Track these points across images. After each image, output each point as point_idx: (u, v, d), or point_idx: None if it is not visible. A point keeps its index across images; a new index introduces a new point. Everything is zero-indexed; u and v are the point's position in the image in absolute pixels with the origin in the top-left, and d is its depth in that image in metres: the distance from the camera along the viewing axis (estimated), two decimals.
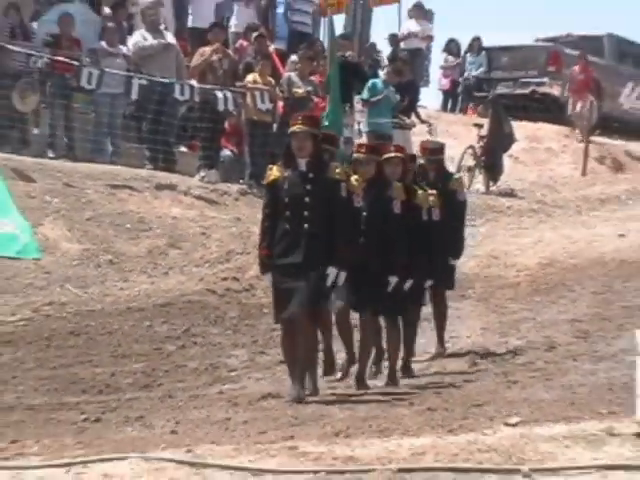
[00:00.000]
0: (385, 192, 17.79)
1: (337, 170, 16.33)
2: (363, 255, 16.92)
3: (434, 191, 19.70)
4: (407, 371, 18.94)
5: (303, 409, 15.82)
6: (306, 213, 15.64)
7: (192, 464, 11.57)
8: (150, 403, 16.57)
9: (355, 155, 18.31)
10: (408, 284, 18.38)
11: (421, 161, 21.00)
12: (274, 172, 16.48)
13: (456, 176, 19.07)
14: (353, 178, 16.85)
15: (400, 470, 11.03)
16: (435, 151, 21.59)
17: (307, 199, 15.64)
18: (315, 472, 11.23)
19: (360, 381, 17.56)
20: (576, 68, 37.82)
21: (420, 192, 18.91)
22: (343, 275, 15.86)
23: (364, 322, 17.66)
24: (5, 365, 18.50)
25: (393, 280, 17.58)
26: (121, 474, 11.39)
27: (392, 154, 18.49)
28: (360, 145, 18.87)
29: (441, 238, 19.09)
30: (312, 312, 16.16)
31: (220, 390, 16.55)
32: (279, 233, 15.91)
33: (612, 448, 11.37)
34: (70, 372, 18.15)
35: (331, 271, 15.75)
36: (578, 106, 35.67)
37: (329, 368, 17.27)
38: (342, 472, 11.12)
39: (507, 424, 13.25)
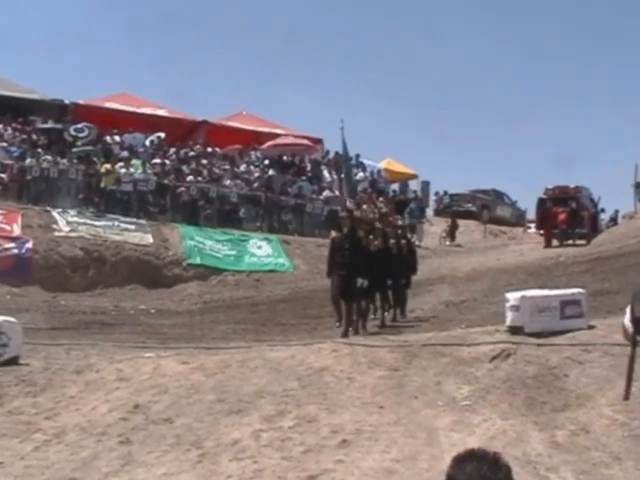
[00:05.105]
0: (386, 240, 16.60)
1: (361, 234, 15.46)
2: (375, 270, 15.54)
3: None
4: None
5: (387, 330, 15.62)
6: (347, 253, 14.75)
7: (349, 344, 11.50)
8: (332, 322, 15.99)
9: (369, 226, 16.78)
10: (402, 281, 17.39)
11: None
12: (333, 234, 15.79)
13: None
14: (370, 237, 15.83)
15: (423, 345, 11.00)
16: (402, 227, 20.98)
17: (347, 247, 14.90)
18: (392, 346, 11.12)
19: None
20: None
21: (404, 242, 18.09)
22: (366, 282, 14.81)
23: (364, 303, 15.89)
24: (282, 309, 19.81)
25: (389, 281, 16.46)
26: (324, 347, 11.26)
27: (387, 228, 17.43)
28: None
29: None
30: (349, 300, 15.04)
31: None
32: (335, 261, 15.03)
33: (497, 336, 11.08)
34: (304, 310, 19.40)
35: (359, 280, 14.69)
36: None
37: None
38: (402, 346, 11.09)
39: (460, 328, 13.02)
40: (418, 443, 8.31)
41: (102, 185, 26.22)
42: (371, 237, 15.95)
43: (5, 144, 27.27)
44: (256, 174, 30.89)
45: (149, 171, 27.61)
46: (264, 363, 10.70)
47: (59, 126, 29.14)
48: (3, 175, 25.83)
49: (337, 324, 15.12)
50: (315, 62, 76.92)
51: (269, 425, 8.85)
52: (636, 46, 71.62)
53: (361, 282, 14.69)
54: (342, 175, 28.07)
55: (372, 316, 16.56)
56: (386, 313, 17.08)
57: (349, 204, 18.80)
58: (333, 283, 15.24)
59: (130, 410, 9.45)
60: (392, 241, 17.18)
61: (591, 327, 11.17)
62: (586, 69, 75.48)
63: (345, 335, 14.35)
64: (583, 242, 28.14)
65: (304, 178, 31.69)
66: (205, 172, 29.16)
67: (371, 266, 15.16)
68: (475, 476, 2.95)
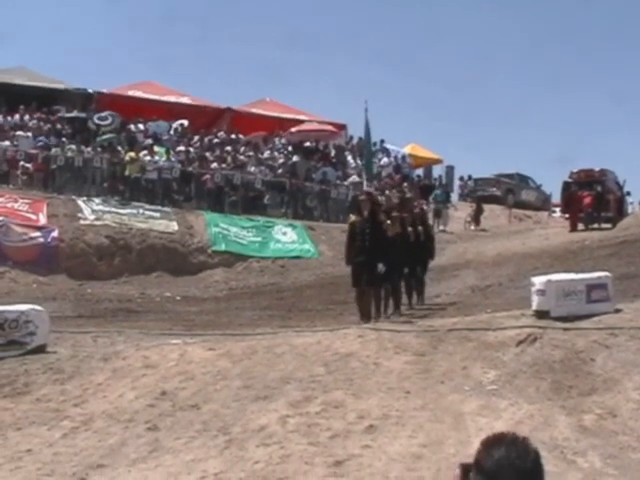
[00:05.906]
0: (404, 226, 16.22)
1: (382, 217, 14.91)
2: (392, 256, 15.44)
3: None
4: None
5: (412, 315, 15.35)
6: (367, 237, 14.29)
7: (375, 329, 11.51)
8: (354, 307, 15.68)
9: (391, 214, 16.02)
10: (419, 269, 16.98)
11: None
12: (352, 218, 15.04)
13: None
14: (387, 222, 15.17)
15: (449, 330, 10.98)
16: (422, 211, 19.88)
17: (367, 231, 14.31)
18: (418, 331, 11.19)
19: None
20: None
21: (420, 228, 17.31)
22: (384, 268, 14.22)
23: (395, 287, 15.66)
24: (307, 295, 19.90)
25: (405, 270, 16.04)
26: (350, 333, 11.31)
27: (404, 214, 16.66)
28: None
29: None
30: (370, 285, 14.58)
31: None
32: (355, 246, 14.36)
33: (523, 320, 11.02)
34: (329, 296, 19.26)
35: (379, 265, 14.44)
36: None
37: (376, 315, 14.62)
38: (428, 331, 11.12)
39: (486, 312, 12.85)
40: (445, 428, 8.29)
41: (127, 173, 26.41)
42: (388, 222, 15.43)
43: (30, 134, 27.60)
44: (280, 160, 30.88)
45: (173, 159, 27.77)
46: (290, 349, 10.68)
47: (83, 115, 29.41)
48: (28, 165, 26.16)
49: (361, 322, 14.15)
50: (339, 49, 76.88)
51: (296, 411, 8.82)
52: None
53: (381, 267, 14.16)
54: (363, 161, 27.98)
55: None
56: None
57: (366, 187, 18.15)
58: (353, 273, 14.67)
59: (157, 397, 9.48)
60: (409, 229, 16.77)
61: (617, 311, 11.12)
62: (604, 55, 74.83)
63: (367, 320, 14.02)
64: (609, 226, 27.90)
65: (328, 164, 31.55)
66: (229, 159, 29.24)
67: (389, 252, 14.65)
68: (504, 463, 2.91)
